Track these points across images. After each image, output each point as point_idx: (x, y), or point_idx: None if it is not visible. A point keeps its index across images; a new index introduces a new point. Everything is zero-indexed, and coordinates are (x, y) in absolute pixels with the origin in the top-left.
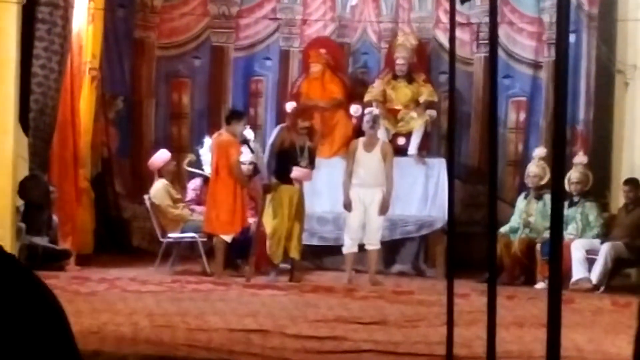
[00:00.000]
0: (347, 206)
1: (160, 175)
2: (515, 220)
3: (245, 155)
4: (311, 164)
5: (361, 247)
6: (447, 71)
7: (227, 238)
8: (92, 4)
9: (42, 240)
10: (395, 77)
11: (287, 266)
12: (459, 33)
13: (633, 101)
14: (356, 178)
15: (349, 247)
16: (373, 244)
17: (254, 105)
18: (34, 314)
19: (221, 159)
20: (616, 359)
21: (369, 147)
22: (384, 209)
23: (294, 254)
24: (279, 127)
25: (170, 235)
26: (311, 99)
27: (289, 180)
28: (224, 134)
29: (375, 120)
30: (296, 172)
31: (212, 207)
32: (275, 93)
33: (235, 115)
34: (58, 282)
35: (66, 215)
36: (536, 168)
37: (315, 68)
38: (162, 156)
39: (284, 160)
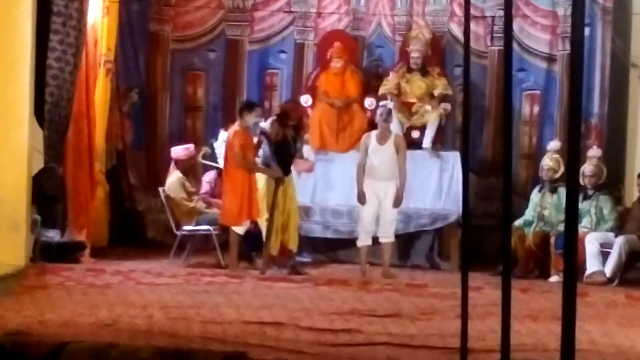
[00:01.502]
0: (361, 198)
1: (177, 167)
2: (529, 214)
3: (264, 148)
4: (301, 155)
5: (375, 240)
6: (462, 64)
7: (239, 230)
8: None
9: (57, 233)
10: (409, 70)
11: (307, 260)
12: (473, 26)
13: None
14: (370, 171)
15: (363, 240)
16: (387, 237)
17: (268, 99)
18: None
19: (228, 150)
20: (630, 351)
21: (382, 140)
22: (397, 201)
23: (292, 246)
24: (269, 120)
25: (184, 227)
26: (329, 95)
27: (287, 172)
28: (235, 126)
29: (388, 113)
30: (301, 165)
31: (224, 199)
32: (290, 86)
33: (246, 107)
34: (73, 275)
35: (81, 207)
36: (550, 161)
37: (338, 64)
38: (186, 150)
39: (279, 153)
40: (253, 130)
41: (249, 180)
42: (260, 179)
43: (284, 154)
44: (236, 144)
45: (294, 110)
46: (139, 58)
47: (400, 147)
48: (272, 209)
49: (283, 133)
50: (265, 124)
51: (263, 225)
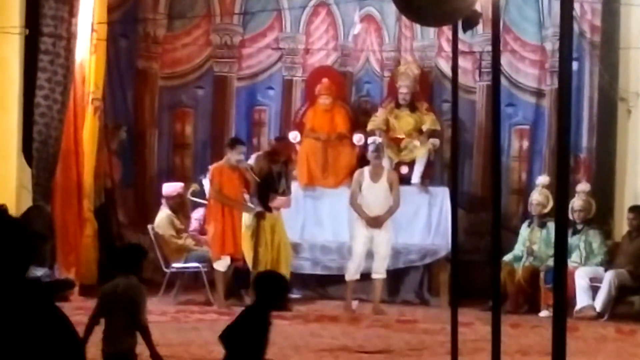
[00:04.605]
0: (372, 222)
1: (166, 205)
2: (518, 249)
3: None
4: (287, 190)
5: (365, 275)
6: (450, 99)
7: (220, 267)
8: (95, 35)
9: (45, 271)
10: (398, 105)
11: (297, 296)
12: (461, 61)
13: (636, 128)
14: (364, 208)
15: (351, 274)
16: (379, 273)
17: (257, 135)
18: (54, 342)
19: (209, 186)
20: None
21: (375, 177)
22: (389, 213)
23: None
24: (254, 155)
25: (173, 265)
26: (316, 131)
27: (269, 208)
28: (219, 162)
29: (379, 149)
30: (276, 200)
31: (208, 235)
32: (278, 122)
33: (229, 144)
34: None
35: (70, 245)
36: (539, 196)
37: (326, 100)
38: (175, 187)
39: (264, 188)
40: (243, 167)
41: (230, 216)
42: (248, 215)
43: (265, 189)
44: (214, 180)
45: (284, 148)
46: (127, 95)
47: (393, 183)
48: (255, 245)
49: (269, 169)
50: (251, 161)
51: (250, 261)
